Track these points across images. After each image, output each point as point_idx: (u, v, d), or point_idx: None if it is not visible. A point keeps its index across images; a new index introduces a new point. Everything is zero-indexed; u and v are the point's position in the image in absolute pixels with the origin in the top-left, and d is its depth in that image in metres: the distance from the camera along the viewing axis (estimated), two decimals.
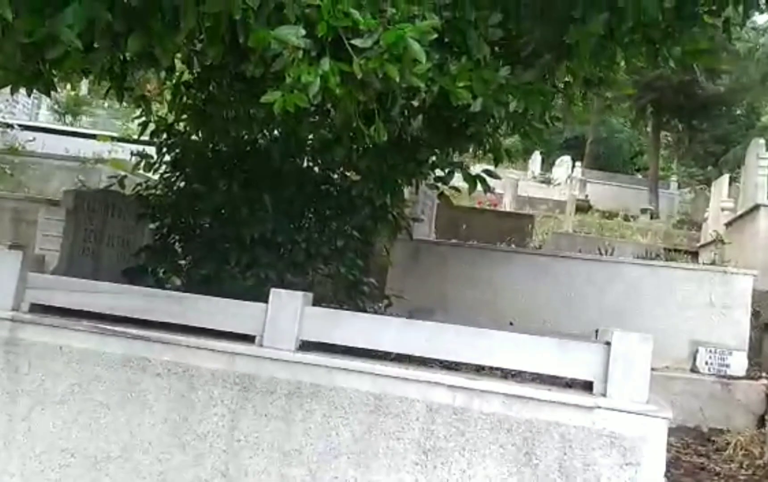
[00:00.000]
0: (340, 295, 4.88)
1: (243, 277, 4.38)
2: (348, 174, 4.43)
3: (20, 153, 10.01)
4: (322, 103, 2.46)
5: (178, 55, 3.54)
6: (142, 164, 4.95)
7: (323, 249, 4.64)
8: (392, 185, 4.04)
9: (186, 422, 3.28)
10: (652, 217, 20.80)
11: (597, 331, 3.38)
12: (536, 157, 31.71)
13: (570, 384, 3.13)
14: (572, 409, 2.88)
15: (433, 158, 3.81)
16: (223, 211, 4.26)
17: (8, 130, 11.48)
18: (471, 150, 3.91)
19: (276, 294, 3.33)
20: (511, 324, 6.16)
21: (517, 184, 19.76)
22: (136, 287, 3.65)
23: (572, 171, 27.90)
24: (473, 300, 6.55)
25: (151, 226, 4.70)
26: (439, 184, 3.96)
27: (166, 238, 4.79)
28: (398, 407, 3.05)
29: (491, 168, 3.66)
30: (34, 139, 11.35)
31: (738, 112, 28.77)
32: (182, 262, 4.66)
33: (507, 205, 17.74)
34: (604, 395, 2.86)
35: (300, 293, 3.33)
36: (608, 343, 2.87)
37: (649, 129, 26.81)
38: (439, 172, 3.92)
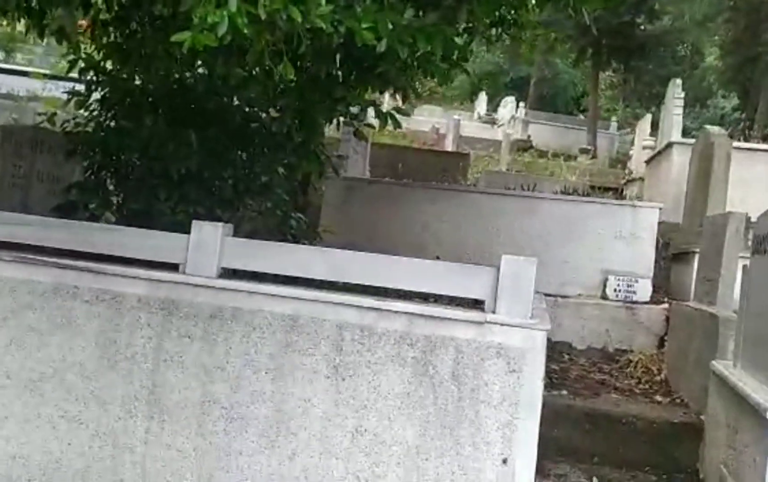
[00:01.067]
0: (270, 231, 5.11)
1: (173, 212, 4.56)
2: (269, 112, 4.61)
3: None
4: (232, 42, 2.63)
5: None
6: (73, 101, 5.03)
7: (251, 185, 4.85)
8: (310, 122, 4.23)
9: (114, 344, 3.50)
10: (594, 157, 21.40)
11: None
12: (482, 98, 32.03)
13: (470, 305, 3.45)
14: (465, 325, 3.19)
15: (347, 96, 4.02)
16: (149, 148, 4.41)
17: None
18: (383, 88, 4.12)
19: (197, 225, 3.54)
20: (438, 257, 6.50)
21: (459, 125, 20.06)
22: (65, 220, 3.80)
23: (516, 111, 28.32)
24: (403, 236, 6.85)
25: (84, 163, 4.82)
26: (354, 122, 4.18)
27: (97, 174, 4.92)
28: (311, 327, 3.32)
29: (403, 107, 3.90)
30: None
31: (682, 53, 29.43)
32: (114, 199, 4.80)
33: (449, 146, 18.06)
34: (493, 312, 3.18)
35: (220, 224, 3.55)
36: (498, 267, 3.17)
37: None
38: (353, 110, 4.13)
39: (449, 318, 3.23)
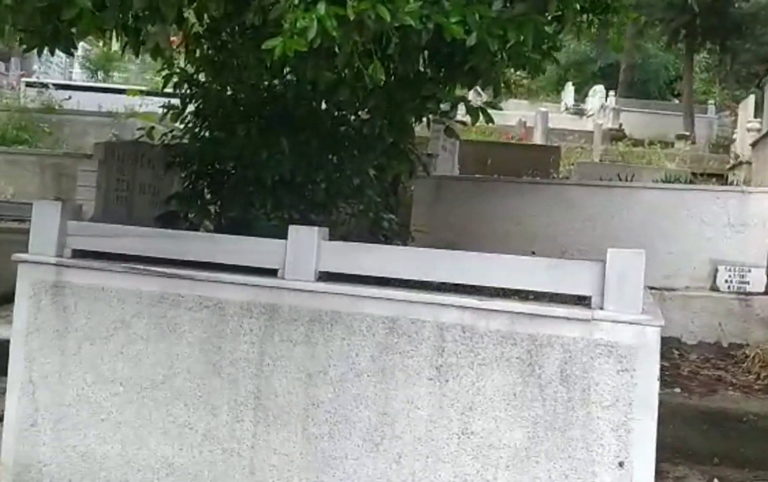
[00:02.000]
0: (363, 233, 5.12)
1: (268, 218, 4.63)
2: (359, 114, 4.61)
3: (57, 111, 10.37)
4: (321, 46, 2.64)
5: (189, 8, 3.74)
6: (169, 115, 5.20)
7: (343, 188, 4.87)
8: (400, 122, 4.21)
9: (219, 350, 3.58)
10: (693, 143, 20.50)
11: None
12: (569, 89, 31.25)
13: (573, 301, 3.33)
14: (571, 323, 3.09)
15: (437, 93, 3.97)
16: (243, 156, 4.49)
17: (44, 89, 11.85)
18: (472, 84, 4.03)
19: (294, 229, 3.57)
20: (533, 253, 6.36)
21: (547, 117, 19.65)
22: (167, 230, 3.92)
23: (606, 100, 27.50)
24: (495, 232, 6.74)
25: (181, 174, 4.97)
26: (445, 119, 4.12)
27: (195, 184, 5.06)
28: (411, 328, 3.29)
29: (494, 101, 3.81)
30: (69, 97, 11.72)
31: None
32: (211, 207, 4.93)
33: (538, 139, 17.71)
34: (601, 308, 3.06)
35: (316, 228, 3.57)
36: (603, 261, 3.05)
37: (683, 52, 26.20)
38: (443, 107, 4.07)
39: (554, 317, 3.13)
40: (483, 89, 3.90)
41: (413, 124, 4.44)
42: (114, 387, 3.73)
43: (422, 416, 3.26)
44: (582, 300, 3.27)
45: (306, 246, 3.52)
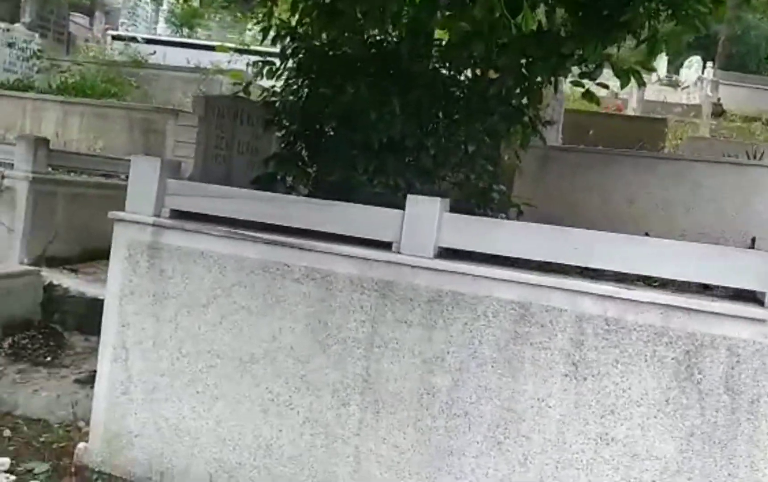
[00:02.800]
0: (469, 204, 4.77)
1: (371, 184, 4.33)
2: (477, 73, 4.24)
3: (144, 65, 10.33)
4: None
5: None
6: (265, 71, 4.94)
7: (452, 155, 4.52)
8: (532, 83, 3.82)
9: (326, 327, 3.31)
10: None
11: (753, 239, 3.13)
12: (661, 59, 29.79)
13: (731, 296, 2.91)
14: (740, 322, 2.68)
15: (579, 52, 3.54)
16: (351, 116, 4.19)
17: (131, 43, 11.86)
18: (620, 41, 3.58)
19: (413, 200, 3.25)
20: (647, 234, 5.88)
21: (642, 88, 18.65)
22: (274, 194, 3.67)
23: (702, 72, 26.08)
24: (604, 210, 6.27)
25: (278, 133, 4.71)
26: (586, 81, 3.70)
27: (293, 145, 4.79)
28: (544, 317, 2.94)
29: (646, 61, 3.37)
30: (154, 52, 11.68)
31: None
32: (309, 170, 4.66)
33: (632, 110, 16.85)
34: None
35: (438, 199, 3.24)
36: None
37: None
38: (586, 68, 3.64)
39: (717, 313, 2.72)
40: (636, 46, 3.48)
41: (543, 87, 4.04)
42: (211, 358, 3.52)
43: (554, 416, 2.92)
44: (743, 297, 2.85)
45: (426, 219, 3.19)
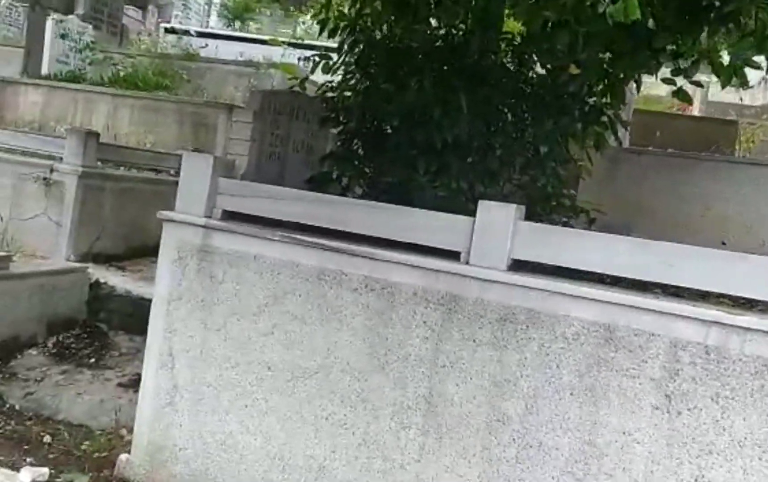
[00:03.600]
0: (533, 209, 4.49)
1: (432, 186, 4.08)
2: (550, 69, 3.94)
3: (196, 58, 10.25)
4: None
5: None
6: (321, 65, 4.73)
7: (518, 156, 4.24)
8: (615, 80, 3.51)
9: (386, 342, 3.07)
10: None
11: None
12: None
13: None
14: None
15: (673, 46, 3.22)
16: (414, 113, 3.94)
17: (183, 36, 11.82)
18: (716, 33, 3.25)
19: (485, 206, 2.99)
20: (723, 244, 5.50)
21: (706, 87, 17.93)
22: (333, 196, 3.46)
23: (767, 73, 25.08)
24: (676, 217, 5.89)
25: (334, 130, 4.49)
26: (680, 79, 3.38)
27: (350, 143, 4.57)
28: (633, 341, 2.65)
29: (749, 56, 3.04)
30: (206, 45, 11.62)
31: None
32: (367, 170, 4.43)
33: (696, 111, 16.19)
34: None
35: (512, 205, 2.98)
36: None
37: None
38: (681, 64, 3.32)
39: None
40: (740, 39, 3.15)
41: (626, 84, 3.72)
42: (261, 370, 3.32)
43: (641, 453, 2.62)
44: None
45: (499, 227, 2.93)
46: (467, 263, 2.98)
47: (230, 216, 3.52)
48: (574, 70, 3.40)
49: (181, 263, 3.50)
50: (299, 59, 10.92)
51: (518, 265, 2.96)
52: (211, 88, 8.89)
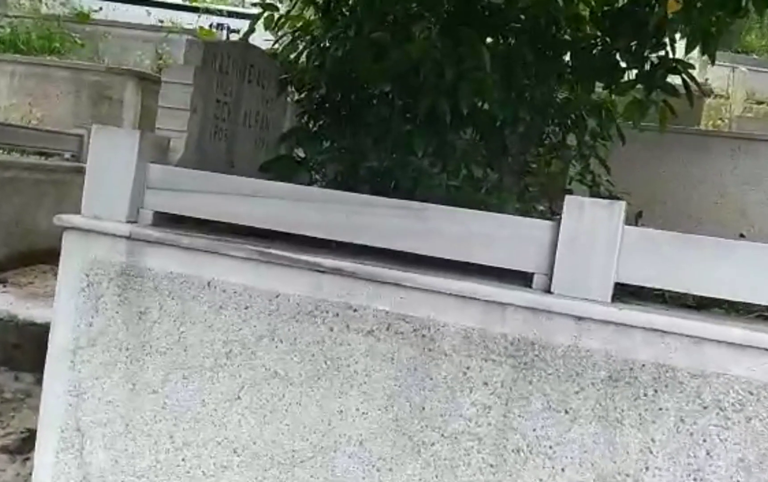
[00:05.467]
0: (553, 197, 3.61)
1: (443, 173, 3.10)
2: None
3: (91, 20, 8.83)
4: None
5: None
6: (262, 20, 3.67)
7: (549, 129, 3.32)
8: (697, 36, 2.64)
9: (421, 413, 2.08)
10: None
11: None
12: None
13: None
14: None
15: None
16: (420, 72, 2.94)
17: None
18: None
19: (574, 202, 2.03)
20: (742, 235, 4.82)
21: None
22: (335, 192, 2.43)
23: None
24: (688, 205, 5.16)
25: (300, 95, 3.45)
26: None
27: (318, 116, 3.53)
28: None
29: None
30: (100, 8, 10.17)
31: None
32: (343, 152, 3.39)
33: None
34: None
35: (616, 203, 2.03)
36: None
37: None
38: None
39: None
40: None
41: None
42: (224, 454, 2.27)
43: None
44: None
45: (600, 237, 1.98)
46: (548, 291, 2.02)
47: (167, 221, 2.44)
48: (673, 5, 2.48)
49: (92, 293, 2.39)
50: (211, 26, 9.69)
51: (620, 292, 2.03)
52: (112, 54, 7.56)
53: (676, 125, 5.05)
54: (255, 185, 2.36)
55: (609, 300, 1.98)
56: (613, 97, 3.26)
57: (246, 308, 2.25)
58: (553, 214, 3.83)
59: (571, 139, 3.60)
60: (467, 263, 2.15)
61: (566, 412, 1.95)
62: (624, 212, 2.00)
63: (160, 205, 2.43)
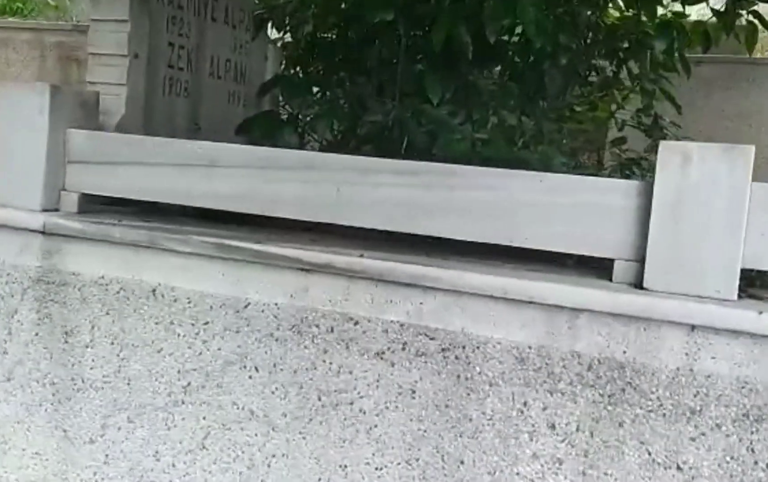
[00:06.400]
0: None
1: (466, 123, 2.44)
2: None
3: None
4: None
5: None
6: None
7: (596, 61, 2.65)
8: None
9: (459, 470, 1.45)
10: None
11: None
12: None
13: None
14: None
15: None
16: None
17: None
18: None
19: (672, 150, 1.37)
20: None
21: None
22: (318, 154, 1.80)
23: None
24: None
25: (276, 34, 2.78)
26: None
27: (305, 60, 2.87)
28: None
29: None
30: None
31: None
32: (341, 103, 2.72)
33: None
34: None
35: (737, 147, 1.36)
36: None
37: None
38: None
39: None
40: None
41: None
42: None
43: None
44: None
45: (712, 200, 1.33)
46: (638, 285, 1.37)
47: (102, 206, 1.81)
48: None
49: (2, 309, 1.77)
50: None
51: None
52: (82, 11, 6.85)
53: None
54: (214, 151, 1.70)
55: (735, 296, 1.33)
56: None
57: (206, 324, 1.62)
58: (600, 169, 3.17)
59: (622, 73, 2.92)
60: (514, 249, 1.50)
61: (678, 468, 1.32)
62: (752, 162, 1.34)
63: (87, 185, 1.79)
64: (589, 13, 2.62)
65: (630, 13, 2.59)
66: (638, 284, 1.38)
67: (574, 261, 1.51)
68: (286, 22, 2.80)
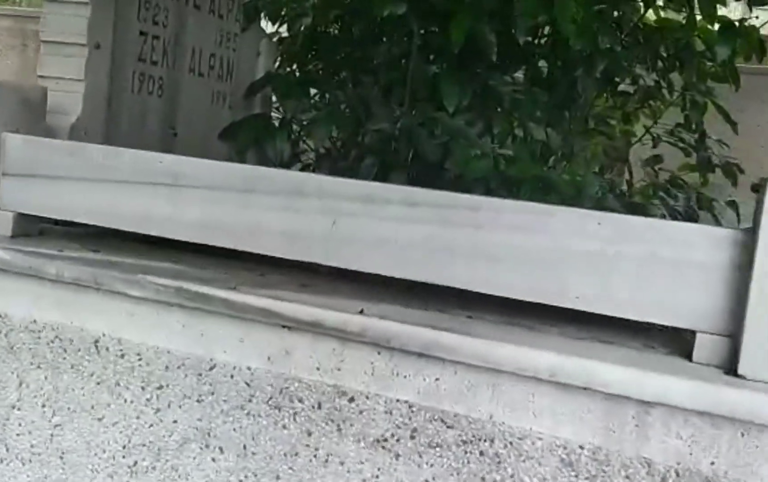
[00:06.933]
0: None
1: (486, 136, 2.10)
2: None
3: None
4: None
5: None
6: None
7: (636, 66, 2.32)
8: None
9: None
10: None
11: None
12: None
13: None
14: None
15: None
16: None
17: None
18: None
19: None
20: None
21: None
22: (309, 176, 1.46)
23: None
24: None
25: (271, 27, 2.44)
26: None
27: (303, 57, 2.52)
28: None
29: None
30: None
31: None
32: (342, 108, 2.36)
33: None
34: None
35: None
36: None
37: None
38: None
39: None
40: None
41: None
42: None
43: None
44: None
45: None
46: (732, 372, 1.02)
47: (45, 224, 1.47)
48: None
49: None
50: None
51: None
52: None
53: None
54: (179, 166, 1.35)
55: None
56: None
57: (159, 388, 1.27)
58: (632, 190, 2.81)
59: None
60: (560, 309, 1.15)
61: None
62: None
63: (23, 203, 1.44)
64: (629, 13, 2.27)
65: (678, 15, 2.24)
66: (731, 369, 1.03)
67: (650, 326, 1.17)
68: (282, 13, 2.46)
